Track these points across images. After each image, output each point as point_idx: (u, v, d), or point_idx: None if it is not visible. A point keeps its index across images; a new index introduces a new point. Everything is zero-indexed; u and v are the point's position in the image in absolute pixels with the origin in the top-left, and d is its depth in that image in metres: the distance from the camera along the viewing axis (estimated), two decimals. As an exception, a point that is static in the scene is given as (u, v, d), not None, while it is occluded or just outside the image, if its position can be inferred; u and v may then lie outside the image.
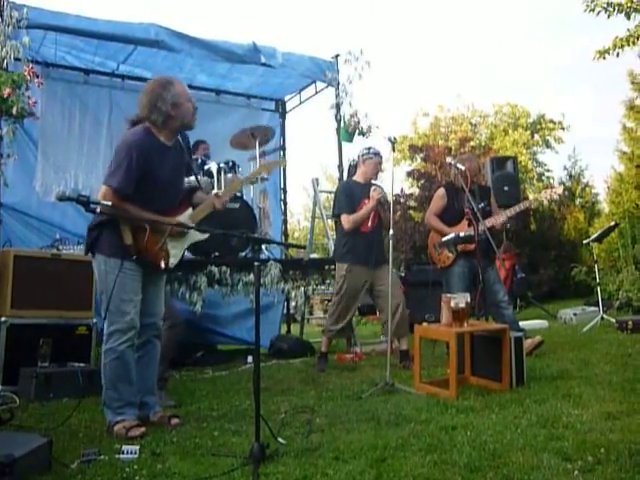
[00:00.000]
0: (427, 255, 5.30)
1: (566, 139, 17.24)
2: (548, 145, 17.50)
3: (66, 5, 5.35)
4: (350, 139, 6.57)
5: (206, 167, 5.65)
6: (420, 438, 2.67)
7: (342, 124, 6.58)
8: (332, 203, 5.36)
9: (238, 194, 5.64)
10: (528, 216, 10.96)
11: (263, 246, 5.84)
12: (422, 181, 11.56)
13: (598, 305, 6.75)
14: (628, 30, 8.37)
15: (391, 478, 2.22)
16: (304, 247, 6.71)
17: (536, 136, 17.38)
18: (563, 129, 17.31)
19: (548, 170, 17.12)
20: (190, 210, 3.31)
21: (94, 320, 4.50)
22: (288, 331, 7.48)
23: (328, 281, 5.92)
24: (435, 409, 3.20)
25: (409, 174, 12.39)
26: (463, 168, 4.70)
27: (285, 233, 7.92)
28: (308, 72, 6.59)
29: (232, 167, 5.75)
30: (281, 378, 4.58)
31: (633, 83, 12.75)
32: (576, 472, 2.16)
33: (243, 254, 5.76)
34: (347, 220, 4.85)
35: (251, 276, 5.30)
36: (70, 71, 6.32)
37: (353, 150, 6.22)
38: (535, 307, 8.71)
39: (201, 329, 6.24)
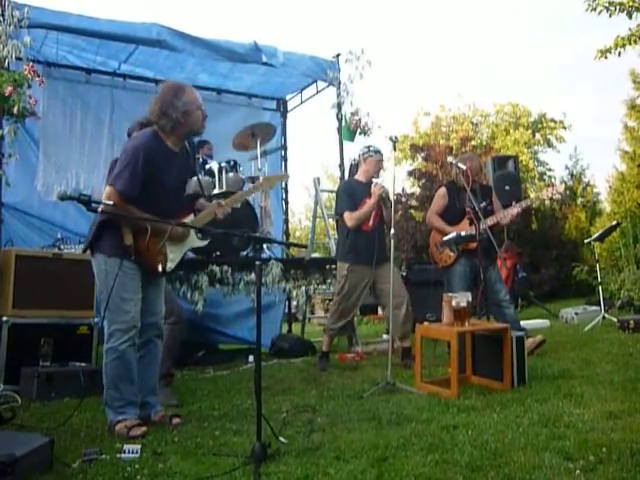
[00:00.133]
0: (428, 254, 5.31)
1: (567, 138, 17.20)
2: (549, 144, 17.46)
3: (68, 4, 5.35)
4: (351, 138, 6.58)
5: (207, 166, 5.67)
6: (421, 437, 2.67)
7: (343, 123, 6.58)
8: (334, 202, 5.36)
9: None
10: (529, 215, 10.94)
11: (264, 245, 5.84)
12: (423, 180, 11.54)
13: (599, 304, 6.74)
14: (630, 29, 8.37)
15: (392, 477, 2.22)
16: (305, 246, 6.72)
17: (537, 135, 17.33)
18: (564, 128, 17.27)
19: (549, 169, 17.09)
20: (192, 216, 3.33)
21: (95, 320, 4.51)
22: (289, 330, 7.48)
23: (329, 280, 5.93)
24: (436, 408, 3.20)
25: (410, 173, 12.36)
26: (464, 167, 4.70)
27: (286, 232, 7.92)
28: (309, 71, 6.59)
29: (233, 166, 5.76)
30: (282, 377, 4.58)
31: (635, 82, 12.73)
32: (578, 471, 2.16)
33: (244, 253, 5.77)
34: (350, 217, 4.84)
35: (252, 275, 5.31)
36: (72, 70, 6.32)
37: (354, 149, 6.22)
38: (536, 306, 8.69)
39: (202, 328, 6.24)
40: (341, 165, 6.81)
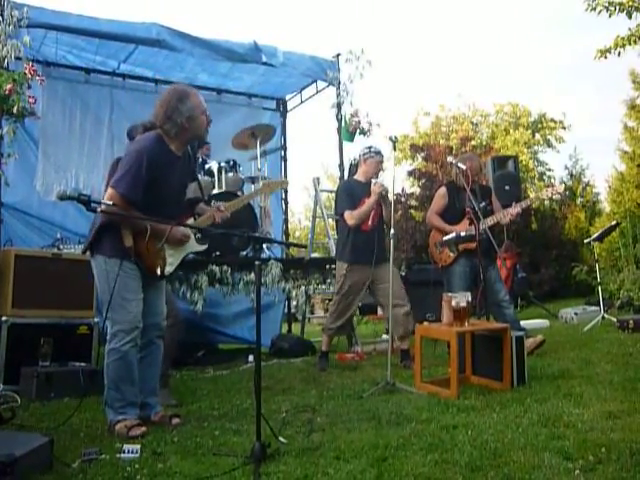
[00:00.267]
0: (428, 254, 5.31)
1: (567, 138, 17.22)
2: (549, 144, 17.46)
3: (67, 4, 5.35)
4: (351, 138, 6.57)
5: (207, 166, 5.66)
6: (421, 437, 2.67)
7: (343, 123, 6.58)
8: (333, 202, 5.36)
9: (239, 193, 5.64)
10: (529, 215, 10.94)
11: (264, 245, 5.84)
12: (423, 180, 11.54)
13: (599, 304, 6.74)
14: (629, 29, 8.37)
15: (392, 477, 2.22)
16: (305, 246, 6.72)
17: (537, 135, 17.34)
18: (564, 128, 17.27)
19: (549, 169, 17.10)
20: (191, 220, 3.34)
21: (95, 319, 4.51)
22: (289, 330, 7.48)
23: (329, 280, 5.92)
24: (436, 408, 3.20)
25: (410, 173, 12.37)
26: (464, 167, 4.70)
27: (286, 232, 7.92)
28: (309, 71, 6.59)
29: (233, 166, 5.76)
30: (282, 377, 4.59)
31: (634, 82, 12.74)
32: (577, 471, 2.16)
33: (244, 253, 5.76)
34: (350, 216, 4.84)
35: (252, 275, 5.31)
36: (71, 70, 6.32)
37: (354, 149, 6.23)
38: (536, 306, 8.69)
39: (202, 328, 6.24)
40: (341, 165, 6.81)
